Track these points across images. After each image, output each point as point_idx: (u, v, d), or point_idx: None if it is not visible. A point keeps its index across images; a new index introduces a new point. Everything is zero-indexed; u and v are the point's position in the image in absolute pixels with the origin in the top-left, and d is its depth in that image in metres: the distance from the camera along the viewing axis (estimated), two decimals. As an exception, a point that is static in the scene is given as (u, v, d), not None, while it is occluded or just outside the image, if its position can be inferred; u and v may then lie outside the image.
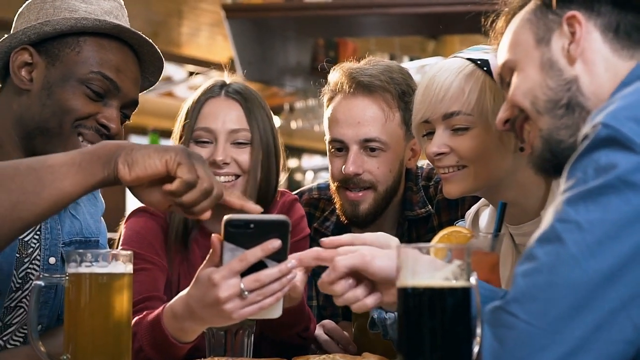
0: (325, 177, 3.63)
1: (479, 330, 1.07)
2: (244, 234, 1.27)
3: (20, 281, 1.64)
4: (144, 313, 1.57)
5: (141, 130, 7.02)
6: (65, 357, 1.25)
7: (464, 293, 1.06)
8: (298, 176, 9.08)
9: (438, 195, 2.11)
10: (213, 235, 1.32)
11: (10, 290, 1.62)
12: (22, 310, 1.65)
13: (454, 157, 1.62)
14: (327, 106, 2.09)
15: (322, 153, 2.18)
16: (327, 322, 1.92)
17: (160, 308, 1.50)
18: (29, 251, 1.66)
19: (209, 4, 6.20)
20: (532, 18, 1.33)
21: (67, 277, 1.26)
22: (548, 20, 1.31)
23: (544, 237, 1.07)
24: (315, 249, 1.30)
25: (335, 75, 2.06)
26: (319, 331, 1.89)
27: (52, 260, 1.69)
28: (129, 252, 1.30)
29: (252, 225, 1.27)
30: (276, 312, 1.33)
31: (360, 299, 1.26)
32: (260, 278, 1.27)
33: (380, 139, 2.00)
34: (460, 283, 1.06)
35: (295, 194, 2.17)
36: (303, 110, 6.00)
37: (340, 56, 4.85)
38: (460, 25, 3.07)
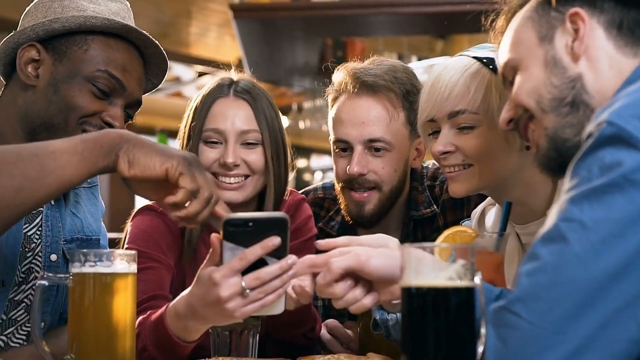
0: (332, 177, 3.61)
1: (483, 331, 1.06)
2: (243, 233, 1.27)
3: (23, 275, 1.65)
4: (148, 313, 1.57)
5: (149, 131, 7.04)
6: (69, 357, 1.25)
7: (468, 293, 1.05)
8: (307, 176, 9.08)
9: (443, 195, 2.10)
10: (212, 234, 1.32)
11: (14, 283, 1.63)
12: (25, 305, 1.65)
13: (460, 155, 1.62)
14: (332, 106, 2.08)
15: (331, 153, 2.17)
16: (329, 321, 1.92)
17: (164, 307, 1.50)
18: (32, 246, 1.67)
19: (217, 4, 6.20)
20: (533, 16, 1.32)
21: (71, 277, 1.26)
22: (550, 17, 1.30)
23: (548, 237, 1.06)
24: (309, 256, 1.31)
25: (340, 75, 2.06)
26: (322, 331, 1.88)
27: (53, 257, 1.69)
28: (133, 251, 1.30)
29: (250, 224, 1.27)
30: (278, 309, 1.33)
31: (359, 299, 1.25)
32: (261, 276, 1.27)
33: (385, 138, 1.99)
34: (464, 283, 1.05)
35: (300, 193, 2.17)
36: (311, 110, 6.00)
37: (349, 56, 4.83)
38: (469, 25, 3.05)
